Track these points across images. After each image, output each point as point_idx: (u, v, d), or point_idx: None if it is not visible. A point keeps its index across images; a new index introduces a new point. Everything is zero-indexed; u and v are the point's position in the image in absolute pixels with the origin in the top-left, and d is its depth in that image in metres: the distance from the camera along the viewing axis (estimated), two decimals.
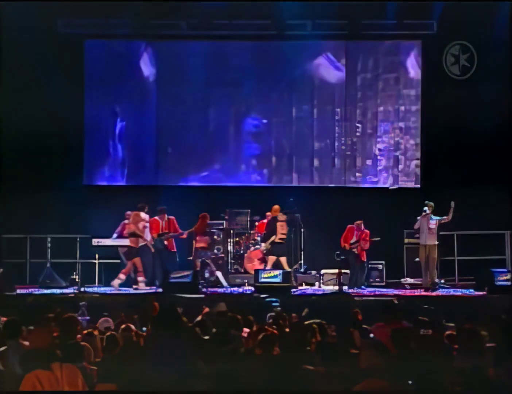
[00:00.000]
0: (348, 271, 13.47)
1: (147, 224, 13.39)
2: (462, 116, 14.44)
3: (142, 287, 13.04)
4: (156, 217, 13.75)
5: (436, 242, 13.16)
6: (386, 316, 7.64)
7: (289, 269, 13.23)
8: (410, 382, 5.31)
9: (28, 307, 10.89)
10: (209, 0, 14.68)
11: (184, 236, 13.79)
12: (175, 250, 13.93)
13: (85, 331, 7.65)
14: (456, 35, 15.02)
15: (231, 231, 14.42)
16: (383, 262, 14.48)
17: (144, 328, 8.10)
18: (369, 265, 14.28)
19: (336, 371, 5.71)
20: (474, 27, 14.48)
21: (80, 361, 5.95)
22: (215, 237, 14.21)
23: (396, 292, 13.02)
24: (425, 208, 13.08)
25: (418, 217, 13.15)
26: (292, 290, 12.82)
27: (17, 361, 5.92)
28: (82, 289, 12.69)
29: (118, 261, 13.93)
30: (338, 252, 13.89)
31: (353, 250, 13.69)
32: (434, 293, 12.75)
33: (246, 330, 7.71)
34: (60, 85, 14.29)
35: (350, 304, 11.10)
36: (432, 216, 13.11)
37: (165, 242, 13.74)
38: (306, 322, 7.52)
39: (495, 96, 14.09)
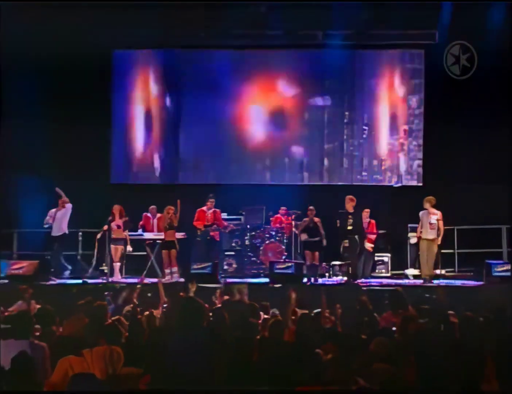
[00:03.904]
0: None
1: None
2: (462, 116, 14.71)
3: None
4: (204, 208, 14.24)
5: (435, 237, 13.01)
6: (392, 304, 8.04)
7: None
8: None
9: (61, 296, 10.91)
10: None
11: (228, 230, 14.43)
12: (219, 240, 14.39)
13: (111, 319, 7.15)
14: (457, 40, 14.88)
15: (248, 226, 14.73)
16: (389, 254, 14.65)
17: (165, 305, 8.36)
18: (376, 257, 14.48)
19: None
20: (474, 27, 14.37)
21: (112, 342, 5.99)
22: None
23: (400, 282, 13.18)
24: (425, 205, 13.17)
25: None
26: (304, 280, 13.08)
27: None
28: (110, 280, 13.07)
29: (144, 253, 14.26)
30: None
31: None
32: (435, 284, 12.73)
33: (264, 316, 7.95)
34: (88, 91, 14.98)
35: (359, 293, 10.96)
36: (435, 211, 13.04)
37: (211, 233, 14.17)
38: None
39: (495, 96, 14.35)
